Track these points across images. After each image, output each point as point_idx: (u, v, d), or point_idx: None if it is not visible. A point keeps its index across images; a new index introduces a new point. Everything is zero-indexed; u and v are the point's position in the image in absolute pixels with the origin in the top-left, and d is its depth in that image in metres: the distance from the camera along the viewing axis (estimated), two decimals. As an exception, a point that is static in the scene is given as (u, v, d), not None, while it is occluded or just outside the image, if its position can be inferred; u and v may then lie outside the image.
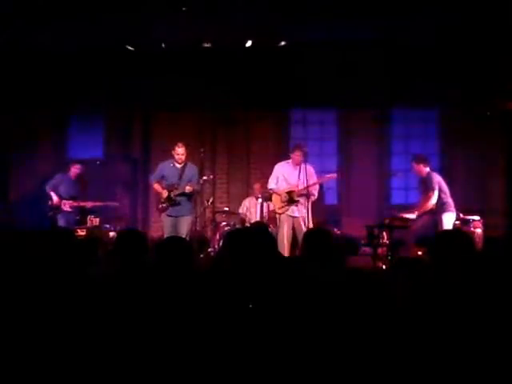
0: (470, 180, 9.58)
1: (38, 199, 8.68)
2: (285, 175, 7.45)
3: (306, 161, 7.38)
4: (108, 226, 8.61)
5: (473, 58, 8.83)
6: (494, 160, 9.60)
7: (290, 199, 7.31)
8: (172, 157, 7.43)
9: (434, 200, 6.96)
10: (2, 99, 9.25)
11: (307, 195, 7.24)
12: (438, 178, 7.10)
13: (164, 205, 7.33)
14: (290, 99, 10.03)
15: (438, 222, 6.95)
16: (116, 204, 8.92)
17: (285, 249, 7.09)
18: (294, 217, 7.33)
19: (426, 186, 7.11)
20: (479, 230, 7.33)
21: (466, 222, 7.32)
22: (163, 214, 7.40)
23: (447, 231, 5.30)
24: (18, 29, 7.64)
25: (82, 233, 8.07)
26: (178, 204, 7.28)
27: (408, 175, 9.92)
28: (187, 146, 7.50)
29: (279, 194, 7.42)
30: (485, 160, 9.69)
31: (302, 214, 7.32)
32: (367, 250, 8.51)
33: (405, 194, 10.12)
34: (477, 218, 7.45)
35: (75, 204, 8.43)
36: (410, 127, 10.28)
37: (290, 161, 7.50)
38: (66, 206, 8.36)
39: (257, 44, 8.48)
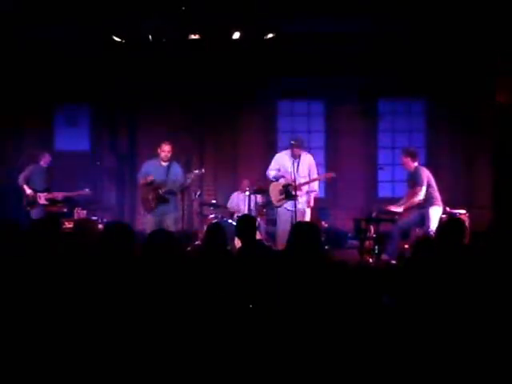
0: (456, 173, 9.64)
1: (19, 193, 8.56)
2: (284, 167, 7.32)
3: (306, 151, 7.43)
4: (95, 217, 8.56)
5: (460, 50, 8.86)
6: (481, 153, 9.66)
7: (288, 193, 7.19)
8: (157, 155, 7.46)
9: (421, 196, 6.97)
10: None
11: (307, 191, 7.22)
12: (426, 173, 7.10)
13: (152, 204, 7.33)
14: (277, 91, 10.03)
15: (424, 216, 6.98)
16: (87, 192, 8.61)
17: (284, 243, 6.99)
18: (291, 211, 7.17)
19: (413, 180, 7.13)
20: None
21: (451, 216, 7.35)
22: (152, 214, 7.37)
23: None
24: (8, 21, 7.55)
25: (69, 225, 8.00)
26: (167, 201, 7.30)
27: (395, 168, 9.99)
28: (173, 142, 7.54)
29: (277, 186, 7.33)
30: (471, 153, 9.76)
31: (300, 208, 7.19)
32: (354, 242, 8.56)
33: (392, 187, 10.17)
34: (463, 211, 7.49)
35: (49, 196, 8.33)
36: (397, 120, 10.32)
37: (289, 151, 7.37)
38: (42, 199, 8.24)
39: (244, 36, 8.45)
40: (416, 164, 7.19)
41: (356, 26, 8.43)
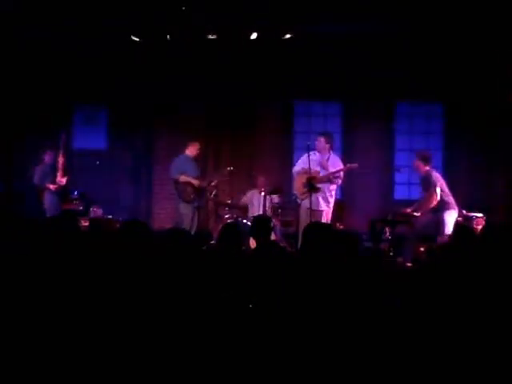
0: (473, 176, 9.56)
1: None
2: (310, 164, 7.31)
3: (331, 150, 7.51)
4: (111, 216, 8.61)
5: (477, 53, 8.79)
6: (498, 156, 9.57)
7: (311, 186, 7.22)
8: (190, 152, 8.20)
9: (436, 198, 6.92)
10: (6, 89, 9.25)
11: (330, 181, 7.26)
12: (437, 177, 7.05)
13: (192, 196, 7.99)
14: (294, 91, 10.02)
15: (439, 221, 6.93)
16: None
17: None
18: (312, 210, 7.18)
19: (424, 184, 7.10)
20: (481, 227, 7.31)
21: (468, 219, 7.31)
22: (185, 205, 8.01)
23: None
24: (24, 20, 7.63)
25: (85, 223, 8.07)
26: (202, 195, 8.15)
27: (411, 170, 9.92)
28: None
29: (301, 179, 7.38)
30: (489, 156, 9.67)
31: (321, 208, 7.25)
32: (369, 245, 8.52)
33: (408, 190, 10.11)
34: (480, 214, 7.43)
35: (55, 186, 8.34)
36: (414, 122, 10.26)
37: (315, 151, 7.46)
38: (51, 187, 8.32)
39: (262, 36, 8.45)
40: (427, 168, 7.13)
41: (374, 27, 8.39)
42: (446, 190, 7.05)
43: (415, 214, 7.10)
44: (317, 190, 7.19)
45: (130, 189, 10.30)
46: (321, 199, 7.27)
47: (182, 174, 8.05)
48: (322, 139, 7.50)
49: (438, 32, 8.27)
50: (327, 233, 3.75)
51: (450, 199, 7.01)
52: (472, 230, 4.61)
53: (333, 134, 8.26)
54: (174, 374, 2.54)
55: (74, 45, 8.79)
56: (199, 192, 8.10)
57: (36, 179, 8.41)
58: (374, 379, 2.42)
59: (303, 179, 7.32)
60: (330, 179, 7.30)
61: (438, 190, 6.94)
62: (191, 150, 8.13)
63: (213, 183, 8.25)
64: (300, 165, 7.54)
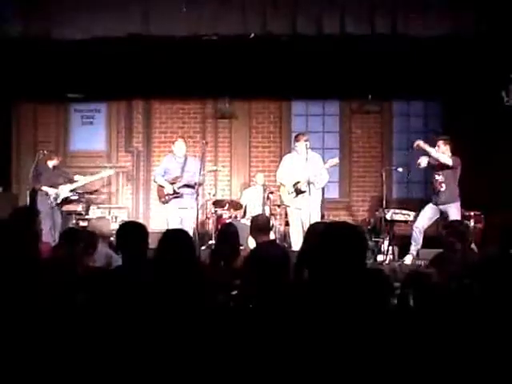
0: (471, 175, 9.52)
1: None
2: (292, 166, 7.37)
3: (310, 149, 7.36)
4: (109, 217, 8.62)
5: (475, 50, 8.77)
6: (497, 155, 9.55)
7: (297, 190, 7.22)
8: (176, 151, 7.68)
9: (448, 161, 6.94)
10: (2, 90, 9.22)
11: (313, 183, 7.16)
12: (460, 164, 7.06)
13: (167, 197, 7.50)
14: (291, 91, 10.02)
15: (447, 212, 6.91)
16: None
17: (296, 243, 7.04)
18: (300, 209, 7.24)
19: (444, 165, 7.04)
20: (480, 225, 7.33)
21: (466, 217, 7.31)
22: (169, 207, 7.55)
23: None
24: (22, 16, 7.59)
25: (83, 224, 8.09)
26: (181, 196, 7.45)
27: (409, 169, 9.93)
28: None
29: (285, 187, 7.36)
30: (487, 155, 9.65)
31: (308, 207, 7.19)
32: (369, 244, 8.52)
33: (406, 188, 10.10)
34: (477, 212, 7.44)
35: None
36: (412, 121, 10.26)
37: (295, 152, 7.45)
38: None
39: (259, 36, 8.43)
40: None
41: (370, 26, 8.37)
42: (457, 178, 7.04)
43: (428, 148, 6.98)
44: (303, 192, 7.17)
45: (129, 189, 10.30)
46: (306, 198, 7.22)
47: (163, 175, 7.63)
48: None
49: (435, 30, 8.24)
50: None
51: (457, 189, 7.03)
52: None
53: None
54: (174, 373, 2.54)
55: (73, 43, 8.73)
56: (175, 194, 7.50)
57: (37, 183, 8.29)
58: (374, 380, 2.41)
59: (288, 189, 7.29)
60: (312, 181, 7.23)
61: (457, 161, 6.97)
62: (176, 148, 7.72)
63: (178, 189, 7.48)
64: (282, 173, 7.49)
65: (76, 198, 8.54)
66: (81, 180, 8.39)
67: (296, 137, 7.53)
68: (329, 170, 7.40)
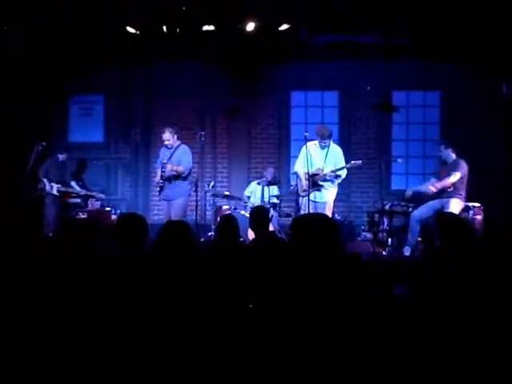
0: (471, 166, 9.54)
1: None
2: (312, 157, 7.22)
3: (331, 142, 7.32)
4: (109, 209, 8.63)
5: (474, 42, 8.74)
6: (497, 146, 9.54)
7: (314, 183, 7.15)
8: (166, 141, 7.56)
9: (454, 179, 6.97)
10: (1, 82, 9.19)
11: (330, 180, 7.15)
12: (465, 166, 7.11)
13: (158, 189, 7.55)
14: (290, 82, 9.99)
15: (444, 206, 6.94)
16: (100, 196, 8.76)
17: None
18: (315, 202, 7.17)
19: (451, 168, 7.08)
20: (479, 217, 7.33)
21: (466, 209, 7.31)
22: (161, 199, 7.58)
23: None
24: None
25: (83, 216, 8.08)
26: (164, 188, 7.40)
27: (409, 161, 9.93)
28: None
29: (303, 178, 7.26)
30: (486, 146, 9.64)
31: (324, 200, 7.18)
32: (368, 235, 8.54)
33: (405, 180, 10.11)
34: (477, 204, 7.44)
35: (63, 190, 8.33)
36: (411, 113, 10.24)
37: (316, 142, 7.33)
38: (54, 189, 8.24)
39: (258, 27, 8.41)
40: (455, 155, 7.20)
41: (371, 17, 8.34)
42: (465, 181, 7.09)
43: (431, 188, 7.06)
44: (319, 186, 7.14)
45: (128, 181, 10.30)
46: (323, 191, 7.22)
47: (158, 166, 7.56)
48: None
49: (435, 21, 8.22)
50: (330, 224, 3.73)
51: (463, 190, 7.04)
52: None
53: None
54: (174, 374, 2.54)
55: (70, 35, 8.71)
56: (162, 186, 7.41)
57: (41, 173, 8.27)
58: (374, 377, 2.41)
59: (305, 180, 7.18)
60: (332, 176, 7.20)
61: (459, 175, 6.97)
62: (164, 139, 7.54)
63: (160, 181, 7.38)
64: (301, 162, 7.37)
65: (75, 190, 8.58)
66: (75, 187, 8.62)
67: (317, 129, 7.41)
68: (348, 169, 7.35)
